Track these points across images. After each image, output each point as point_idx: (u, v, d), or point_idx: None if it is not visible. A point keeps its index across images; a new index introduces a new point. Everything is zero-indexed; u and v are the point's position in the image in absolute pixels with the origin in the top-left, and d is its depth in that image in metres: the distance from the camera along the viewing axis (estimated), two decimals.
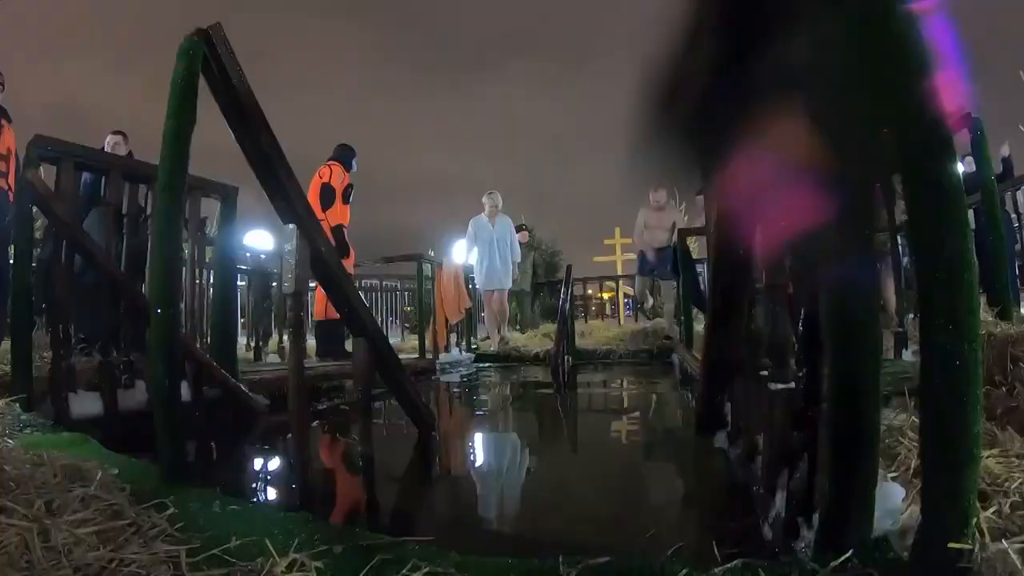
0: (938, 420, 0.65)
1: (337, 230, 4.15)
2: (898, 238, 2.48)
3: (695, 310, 4.25)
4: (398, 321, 8.51)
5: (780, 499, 1.07)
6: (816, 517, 0.83)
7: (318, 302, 4.35)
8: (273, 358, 4.16)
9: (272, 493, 1.60)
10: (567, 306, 4.95)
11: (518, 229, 7.53)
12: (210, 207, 2.84)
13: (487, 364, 5.24)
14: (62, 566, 0.74)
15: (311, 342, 5.08)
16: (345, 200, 4.26)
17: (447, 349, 5.26)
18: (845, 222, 0.74)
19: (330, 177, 4.18)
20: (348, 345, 4.40)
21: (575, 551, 0.81)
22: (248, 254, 4.56)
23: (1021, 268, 4.23)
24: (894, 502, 0.88)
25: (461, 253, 7.83)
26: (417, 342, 4.86)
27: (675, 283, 5.21)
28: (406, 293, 7.95)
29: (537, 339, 5.65)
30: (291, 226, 1.47)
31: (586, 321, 7.62)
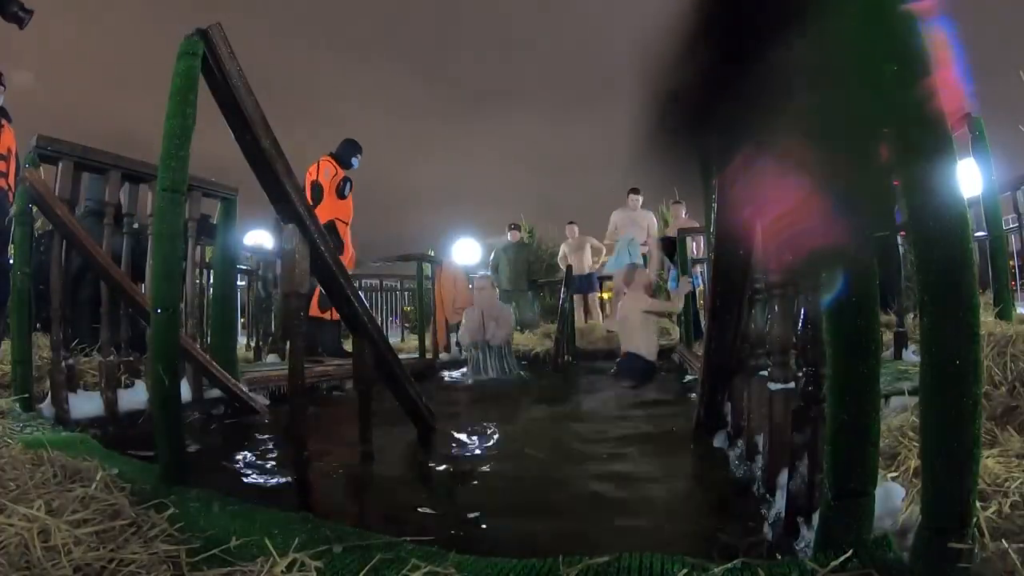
0: (938, 420, 0.65)
1: (328, 226, 4.13)
2: (898, 238, 2.48)
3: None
4: (398, 321, 8.51)
5: (780, 499, 1.07)
6: (816, 517, 0.83)
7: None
8: (273, 358, 4.16)
9: (272, 493, 1.59)
10: (567, 306, 4.95)
11: (509, 228, 7.55)
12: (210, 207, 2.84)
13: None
14: (61, 566, 0.74)
15: None
16: (340, 195, 4.29)
17: (447, 349, 5.25)
18: (845, 221, 0.74)
19: (317, 174, 4.27)
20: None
21: (575, 551, 0.81)
22: (248, 254, 4.57)
23: (1020, 268, 4.24)
24: (894, 502, 0.88)
25: (462, 253, 7.84)
26: (417, 342, 4.86)
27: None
28: (406, 293, 7.94)
29: (537, 339, 5.64)
30: (291, 226, 1.47)
31: (586, 321, 7.61)
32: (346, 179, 4.33)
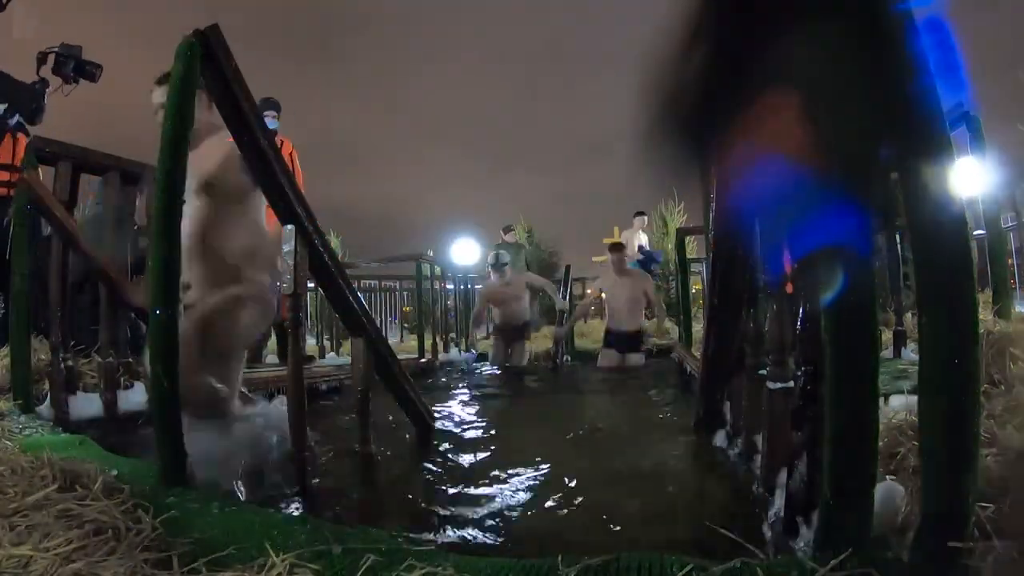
0: (937, 419, 0.65)
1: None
2: (897, 237, 2.48)
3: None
4: (397, 321, 8.51)
5: (780, 498, 1.07)
6: (815, 516, 0.83)
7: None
8: (273, 358, 4.15)
9: (271, 494, 1.59)
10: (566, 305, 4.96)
11: (506, 230, 7.58)
12: None
13: (487, 364, 5.23)
14: None
15: (311, 342, 5.10)
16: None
17: (447, 349, 5.25)
18: (844, 220, 0.74)
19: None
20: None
21: (574, 550, 0.81)
22: None
23: (1019, 266, 4.24)
24: (894, 501, 0.88)
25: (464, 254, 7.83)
26: (416, 342, 4.86)
27: None
28: (405, 293, 7.94)
29: (538, 340, 5.64)
30: (289, 227, 1.47)
31: (585, 321, 7.61)
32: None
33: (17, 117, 2.68)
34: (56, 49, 2.66)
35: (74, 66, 2.65)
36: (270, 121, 3.99)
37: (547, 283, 5.30)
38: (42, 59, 2.70)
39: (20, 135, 2.71)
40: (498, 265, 4.86)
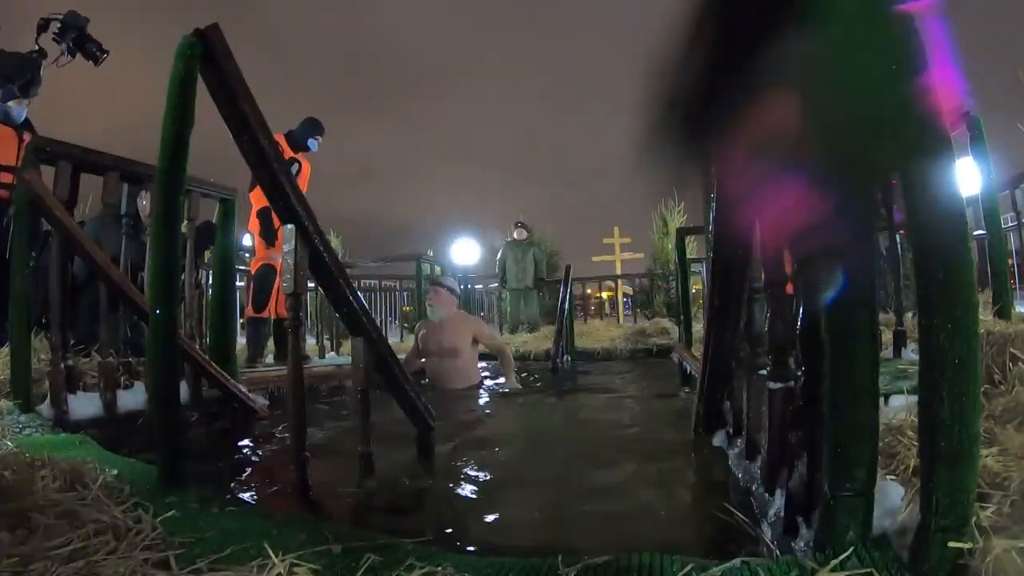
0: (937, 419, 0.65)
1: (262, 213, 3.74)
2: (896, 237, 2.48)
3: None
4: (397, 321, 8.51)
5: (780, 498, 1.07)
6: (815, 516, 0.83)
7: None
8: (273, 358, 4.15)
9: (271, 494, 1.59)
10: (566, 305, 4.95)
11: (515, 226, 7.60)
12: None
13: (486, 363, 5.22)
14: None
15: (311, 342, 5.09)
16: None
17: None
18: (844, 219, 0.74)
19: None
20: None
21: (574, 550, 0.81)
22: (247, 255, 4.57)
23: (1019, 266, 4.24)
24: (893, 501, 0.88)
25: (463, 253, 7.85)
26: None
27: None
28: (405, 293, 7.94)
29: (539, 340, 5.64)
30: (290, 226, 1.47)
31: (585, 321, 7.62)
32: (293, 160, 3.85)
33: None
34: (60, 16, 2.50)
35: (76, 38, 2.50)
36: (311, 142, 4.13)
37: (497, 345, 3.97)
38: (43, 26, 2.53)
39: (27, 134, 2.65)
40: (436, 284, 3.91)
